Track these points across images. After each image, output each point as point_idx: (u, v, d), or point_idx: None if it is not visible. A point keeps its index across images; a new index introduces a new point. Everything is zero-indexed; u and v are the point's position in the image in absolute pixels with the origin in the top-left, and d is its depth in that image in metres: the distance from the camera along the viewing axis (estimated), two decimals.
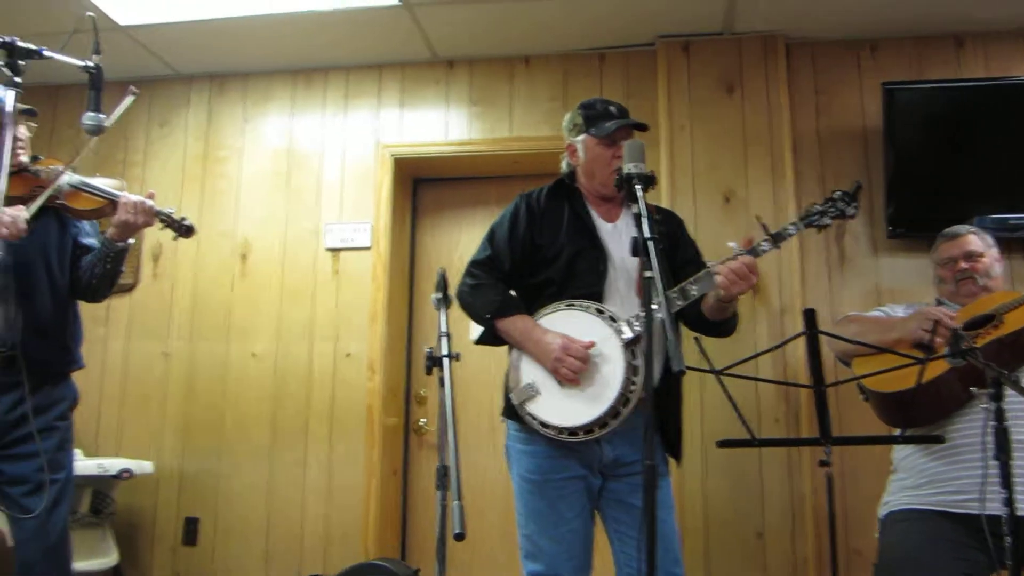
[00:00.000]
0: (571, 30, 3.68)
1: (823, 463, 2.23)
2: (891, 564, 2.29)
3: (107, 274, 2.59)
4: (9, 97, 2.00)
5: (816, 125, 3.61)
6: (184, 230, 2.69)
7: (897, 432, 2.50)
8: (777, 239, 2.24)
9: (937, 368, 2.23)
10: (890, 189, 3.39)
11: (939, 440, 2.27)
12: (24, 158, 2.50)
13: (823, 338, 2.33)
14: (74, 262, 2.62)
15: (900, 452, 2.49)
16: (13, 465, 2.40)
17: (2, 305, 2.38)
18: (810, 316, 2.26)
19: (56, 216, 2.57)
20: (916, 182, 3.38)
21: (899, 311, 2.62)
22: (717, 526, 3.29)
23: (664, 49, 3.70)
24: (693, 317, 2.39)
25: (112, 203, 2.53)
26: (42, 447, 2.37)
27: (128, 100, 2.49)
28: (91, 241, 2.65)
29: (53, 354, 2.54)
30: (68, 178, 2.51)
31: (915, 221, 3.35)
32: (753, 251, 2.20)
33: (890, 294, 3.36)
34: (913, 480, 2.37)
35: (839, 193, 2.29)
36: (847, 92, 3.61)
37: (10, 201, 1.99)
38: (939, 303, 2.61)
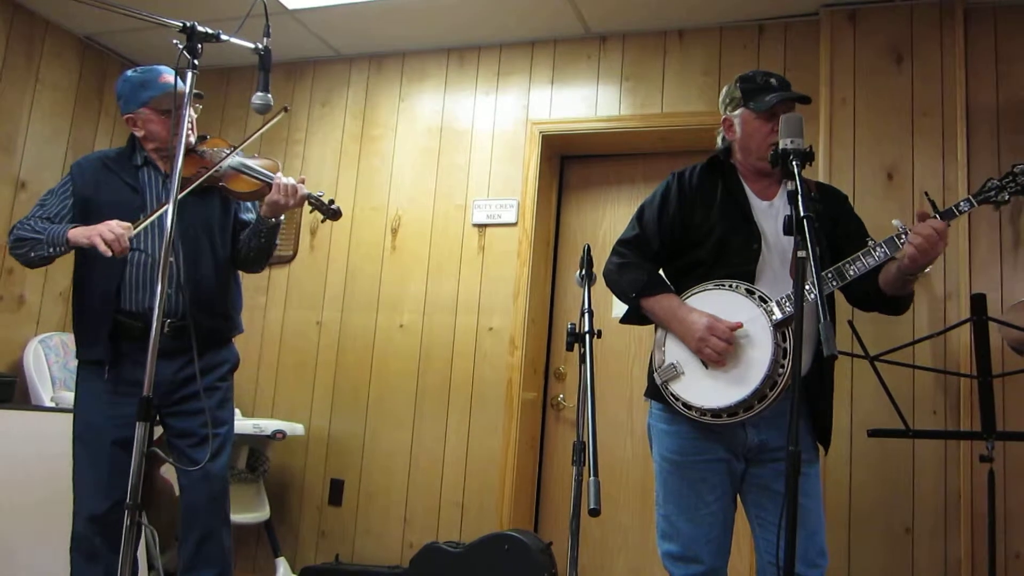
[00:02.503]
0: (728, 0, 3.56)
1: (984, 458, 2.09)
2: None
3: (262, 247, 2.74)
4: (188, 79, 2.12)
5: (995, 97, 3.32)
6: (331, 213, 2.73)
7: None
8: (947, 216, 2.07)
9: None
10: None
11: None
12: (192, 139, 2.67)
13: (992, 326, 2.18)
14: (235, 236, 2.78)
15: None
16: (180, 420, 2.61)
17: (173, 280, 2.55)
18: (979, 301, 2.12)
19: (220, 193, 2.72)
20: None
21: None
22: (862, 518, 3.14)
23: (828, 18, 3.52)
24: (867, 292, 2.25)
25: (268, 185, 2.63)
26: (206, 404, 2.56)
27: (279, 116, 2.58)
28: (250, 216, 2.80)
29: (217, 321, 2.71)
30: (230, 160, 2.64)
31: None
32: (949, 213, 2.05)
33: None
34: None
35: (1021, 167, 2.11)
36: None
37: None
38: None
